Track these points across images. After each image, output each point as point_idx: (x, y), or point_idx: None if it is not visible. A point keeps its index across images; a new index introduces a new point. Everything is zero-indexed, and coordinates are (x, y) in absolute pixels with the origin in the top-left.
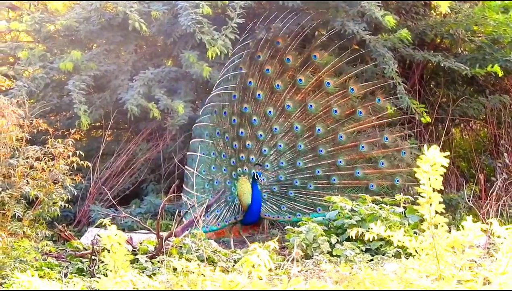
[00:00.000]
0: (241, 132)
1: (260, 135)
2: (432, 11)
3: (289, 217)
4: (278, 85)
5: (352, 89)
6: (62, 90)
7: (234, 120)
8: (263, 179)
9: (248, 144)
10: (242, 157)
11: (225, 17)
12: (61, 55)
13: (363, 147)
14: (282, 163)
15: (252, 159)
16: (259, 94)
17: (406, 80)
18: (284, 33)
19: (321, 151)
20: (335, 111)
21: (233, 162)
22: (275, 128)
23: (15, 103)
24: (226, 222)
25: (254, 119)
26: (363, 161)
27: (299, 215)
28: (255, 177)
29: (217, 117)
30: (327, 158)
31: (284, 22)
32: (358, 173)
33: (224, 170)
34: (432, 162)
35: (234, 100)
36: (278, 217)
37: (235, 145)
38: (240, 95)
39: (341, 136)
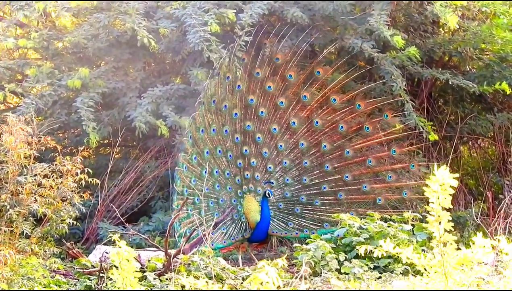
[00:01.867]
0: (245, 150)
1: (265, 152)
2: (440, 29)
3: (297, 233)
4: (281, 102)
5: (359, 106)
6: (70, 108)
7: (237, 138)
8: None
9: (253, 162)
10: (247, 175)
11: (234, 34)
12: (69, 73)
13: (370, 162)
14: (287, 180)
15: (257, 176)
16: (262, 112)
17: (415, 98)
18: (283, 49)
19: (327, 167)
20: (342, 127)
21: (238, 180)
22: (280, 146)
23: (23, 121)
24: (232, 239)
25: (258, 137)
26: (371, 175)
27: (306, 231)
28: (267, 195)
29: (217, 136)
30: (333, 174)
31: (285, 39)
32: (365, 187)
33: (229, 188)
34: (441, 182)
35: (235, 118)
36: (285, 233)
37: (240, 163)
38: (241, 113)
39: (348, 152)
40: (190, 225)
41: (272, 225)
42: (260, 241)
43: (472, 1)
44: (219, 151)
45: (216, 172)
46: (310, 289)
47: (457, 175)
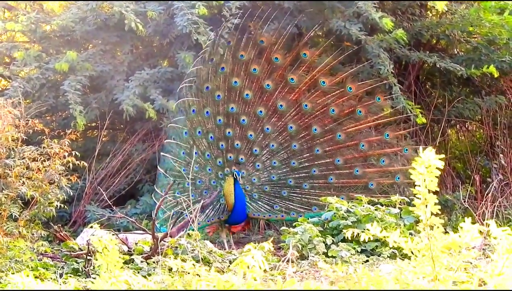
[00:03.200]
0: (229, 132)
1: (251, 135)
2: (428, 12)
3: (282, 216)
4: (268, 85)
5: (350, 88)
6: (58, 91)
7: (219, 120)
8: (254, 179)
9: (237, 144)
10: (230, 157)
11: (221, 17)
12: (56, 56)
13: (363, 146)
14: (275, 163)
15: (241, 159)
16: (247, 94)
17: (402, 81)
18: (271, 32)
19: (317, 150)
20: (333, 110)
21: (219, 162)
22: (267, 128)
23: (11, 104)
24: (208, 221)
25: (243, 120)
26: (363, 159)
27: (293, 214)
28: (235, 176)
29: (197, 117)
30: (324, 157)
31: (271, 21)
32: (357, 171)
33: (209, 169)
34: (427, 164)
35: (218, 100)
36: (269, 216)
37: (222, 145)
38: (225, 95)
39: (339, 136)
40: (164, 206)
41: (255, 207)
42: (238, 223)
43: None
44: (199, 132)
45: (195, 153)
46: (297, 272)
47: (443, 155)
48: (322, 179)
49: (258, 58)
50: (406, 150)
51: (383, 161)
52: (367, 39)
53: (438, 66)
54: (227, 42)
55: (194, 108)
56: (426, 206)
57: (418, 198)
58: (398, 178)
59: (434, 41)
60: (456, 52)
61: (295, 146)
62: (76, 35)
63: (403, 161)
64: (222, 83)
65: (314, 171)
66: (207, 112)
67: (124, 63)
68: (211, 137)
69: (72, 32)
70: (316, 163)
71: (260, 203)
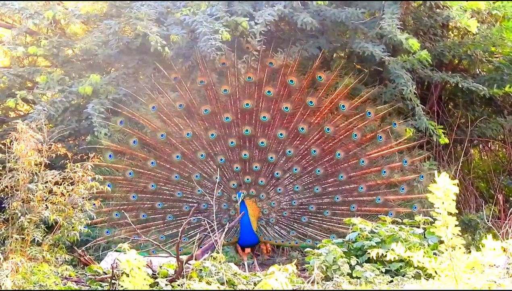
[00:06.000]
0: (245, 154)
1: (271, 158)
2: (450, 32)
3: (296, 243)
4: (286, 107)
5: (369, 113)
6: (80, 115)
7: (232, 142)
8: (273, 203)
9: (256, 167)
10: (247, 179)
11: (243, 39)
12: (79, 79)
13: (384, 172)
14: (297, 187)
15: (261, 181)
16: (264, 117)
17: (424, 102)
18: (293, 54)
19: (341, 176)
20: (355, 135)
21: (233, 185)
22: (289, 151)
23: (34, 128)
24: None
25: (262, 142)
26: (384, 186)
27: (309, 241)
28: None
29: (197, 140)
30: (348, 183)
31: (290, 44)
32: (379, 199)
33: (219, 193)
34: (444, 189)
35: (227, 122)
36: (282, 242)
37: (237, 167)
38: (236, 118)
39: (363, 161)
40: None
41: (269, 232)
42: (249, 245)
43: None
44: (201, 155)
45: (197, 176)
46: None
47: (456, 181)
48: (344, 206)
49: (272, 80)
50: (422, 176)
51: (403, 189)
52: (391, 60)
53: (460, 86)
54: (221, 63)
55: (190, 132)
56: (447, 227)
57: (438, 220)
58: (415, 207)
59: (456, 61)
60: (478, 72)
61: (319, 171)
62: (98, 59)
63: (421, 188)
64: (232, 105)
65: (337, 198)
66: (212, 135)
67: (147, 86)
68: (221, 159)
69: (94, 55)
70: (340, 188)
71: (276, 227)
